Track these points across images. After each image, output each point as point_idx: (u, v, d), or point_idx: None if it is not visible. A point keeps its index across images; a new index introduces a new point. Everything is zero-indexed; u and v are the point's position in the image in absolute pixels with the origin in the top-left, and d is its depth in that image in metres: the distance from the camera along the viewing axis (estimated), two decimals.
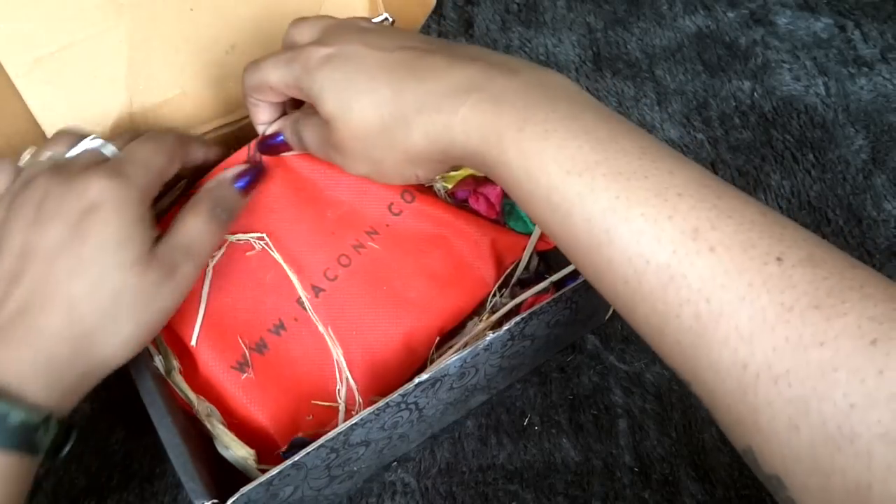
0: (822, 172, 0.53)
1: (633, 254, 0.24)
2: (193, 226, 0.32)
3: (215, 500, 0.29)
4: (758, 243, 0.22)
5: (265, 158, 0.37)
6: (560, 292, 0.36)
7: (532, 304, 0.36)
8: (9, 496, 0.27)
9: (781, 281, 0.21)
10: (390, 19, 0.41)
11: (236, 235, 0.36)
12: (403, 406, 0.33)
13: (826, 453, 0.20)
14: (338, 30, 0.32)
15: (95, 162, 0.31)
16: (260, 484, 0.29)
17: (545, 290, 0.39)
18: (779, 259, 0.22)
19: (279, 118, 0.36)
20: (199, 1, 0.38)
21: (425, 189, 0.41)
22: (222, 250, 0.36)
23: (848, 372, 0.20)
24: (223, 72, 0.41)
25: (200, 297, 0.34)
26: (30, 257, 0.28)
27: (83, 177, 0.29)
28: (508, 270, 0.41)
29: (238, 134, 0.43)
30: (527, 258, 0.41)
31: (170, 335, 0.35)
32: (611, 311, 0.45)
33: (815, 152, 0.54)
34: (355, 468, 0.36)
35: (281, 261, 0.37)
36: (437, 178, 0.41)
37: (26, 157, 0.33)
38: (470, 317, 0.40)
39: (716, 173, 0.30)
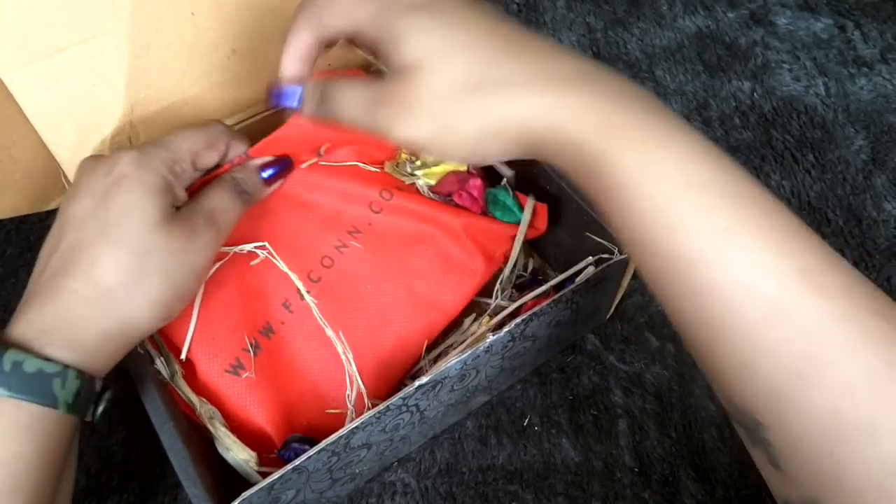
0: (821, 173, 0.53)
1: (740, 281, 0.23)
2: (217, 195, 0.34)
3: None
4: (862, 293, 0.22)
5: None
6: (561, 293, 0.36)
7: (532, 308, 0.36)
8: (38, 449, 0.27)
9: (889, 335, 0.21)
10: None
11: (239, 246, 0.37)
12: (404, 409, 0.34)
13: None
14: None
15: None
16: (262, 488, 0.30)
17: (545, 294, 0.39)
18: (880, 313, 0.22)
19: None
20: (200, 5, 0.38)
21: (404, 186, 0.41)
22: (222, 262, 0.36)
23: None
24: (224, 77, 0.41)
25: (193, 306, 0.35)
26: (65, 228, 0.30)
27: (114, 155, 0.31)
28: (503, 265, 0.41)
29: None
30: (518, 247, 0.41)
31: (169, 341, 0.35)
32: (612, 311, 0.45)
33: (815, 152, 0.54)
34: (357, 470, 0.36)
35: (283, 266, 0.37)
36: (419, 174, 0.42)
37: None
38: (466, 314, 0.40)
39: None
